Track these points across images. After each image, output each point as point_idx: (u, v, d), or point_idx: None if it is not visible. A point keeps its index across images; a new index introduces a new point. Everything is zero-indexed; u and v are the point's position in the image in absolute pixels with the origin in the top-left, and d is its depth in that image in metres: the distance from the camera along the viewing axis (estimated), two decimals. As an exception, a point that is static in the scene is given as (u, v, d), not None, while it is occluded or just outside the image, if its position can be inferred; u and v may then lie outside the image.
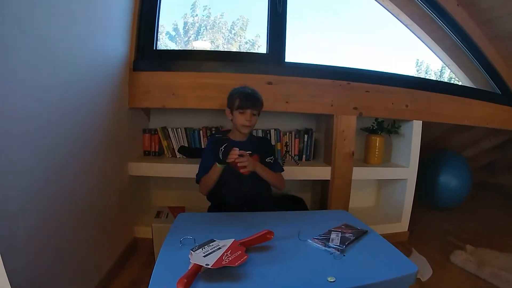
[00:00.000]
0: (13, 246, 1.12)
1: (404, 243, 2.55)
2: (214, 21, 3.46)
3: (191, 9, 3.39)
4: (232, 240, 1.23)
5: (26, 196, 1.19)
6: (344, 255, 1.25)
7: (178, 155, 2.49)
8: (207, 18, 3.43)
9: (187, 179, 2.41)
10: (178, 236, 1.32)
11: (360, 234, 1.47)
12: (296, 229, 1.45)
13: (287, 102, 2.28)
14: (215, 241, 1.22)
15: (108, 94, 1.90)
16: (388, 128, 2.62)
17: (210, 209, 1.98)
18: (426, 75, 4.32)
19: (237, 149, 1.70)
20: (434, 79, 3.94)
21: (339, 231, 1.46)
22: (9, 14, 1.07)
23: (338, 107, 2.35)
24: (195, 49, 3.23)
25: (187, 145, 2.50)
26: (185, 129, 2.49)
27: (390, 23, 3.29)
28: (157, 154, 2.50)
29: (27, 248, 1.21)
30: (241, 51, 3.40)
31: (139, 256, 2.20)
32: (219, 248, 1.17)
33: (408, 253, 2.34)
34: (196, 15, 3.40)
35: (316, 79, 2.32)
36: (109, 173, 1.93)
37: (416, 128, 2.57)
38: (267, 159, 1.90)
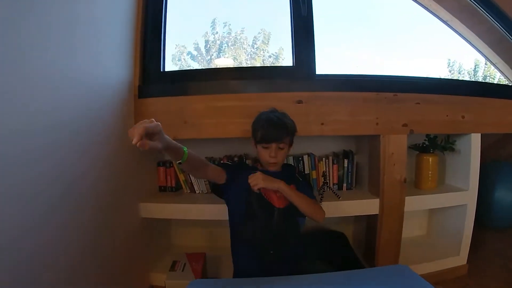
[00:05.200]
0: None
1: (462, 278, 1.91)
2: (235, 37, 2.98)
3: (211, 26, 2.92)
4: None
5: (22, 234, 0.95)
6: None
7: (197, 190, 1.95)
8: (228, 35, 2.96)
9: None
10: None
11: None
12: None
13: (322, 124, 1.70)
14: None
15: (111, 126, 1.47)
16: (442, 144, 1.96)
17: (234, 252, 1.45)
18: (459, 75, 3.60)
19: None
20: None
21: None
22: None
23: (385, 125, 1.74)
24: (210, 67, 2.69)
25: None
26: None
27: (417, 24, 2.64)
28: (174, 190, 1.97)
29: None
30: (264, 65, 2.85)
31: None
32: None
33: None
34: (217, 32, 2.94)
35: (356, 93, 1.73)
36: (118, 215, 1.53)
37: (474, 143, 1.91)
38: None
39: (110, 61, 1.50)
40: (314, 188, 1.92)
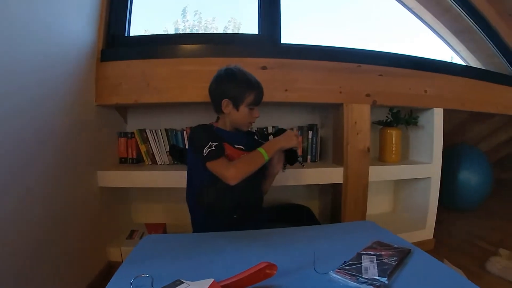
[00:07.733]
0: None
1: (431, 253, 1.89)
2: (206, 26, 2.90)
3: (181, 14, 2.85)
4: (211, 280, 0.69)
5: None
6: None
7: (159, 161, 1.87)
8: (198, 23, 2.88)
9: (170, 190, 1.81)
10: (132, 271, 0.77)
11: (403, 255, 0.87)
12: (309, 254, 0.86)
13: (286, 90, 1.67)
14: (183, 283, 0.70)
15: (70, 89, 1.39)
16: (405, 118, 2.00)
17: (195, 217, 1.38)
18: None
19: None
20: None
21: (373, 254, 0.86)
22: None
23: (348, 95, 1.74)
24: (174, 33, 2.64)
25: (178, 146, 1.88)
26: (166, 130, 1.87)
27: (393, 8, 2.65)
28: (135, 162, 1.88)
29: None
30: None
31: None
32: (188, 297, 0.63)
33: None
34: (187, 20, 2.85)
35: (320, 62, 1.72)
36: (73, 186, 1.41)
37: (437, 117, 1.96)
38: None
39: (74, 23, 1.42)
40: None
